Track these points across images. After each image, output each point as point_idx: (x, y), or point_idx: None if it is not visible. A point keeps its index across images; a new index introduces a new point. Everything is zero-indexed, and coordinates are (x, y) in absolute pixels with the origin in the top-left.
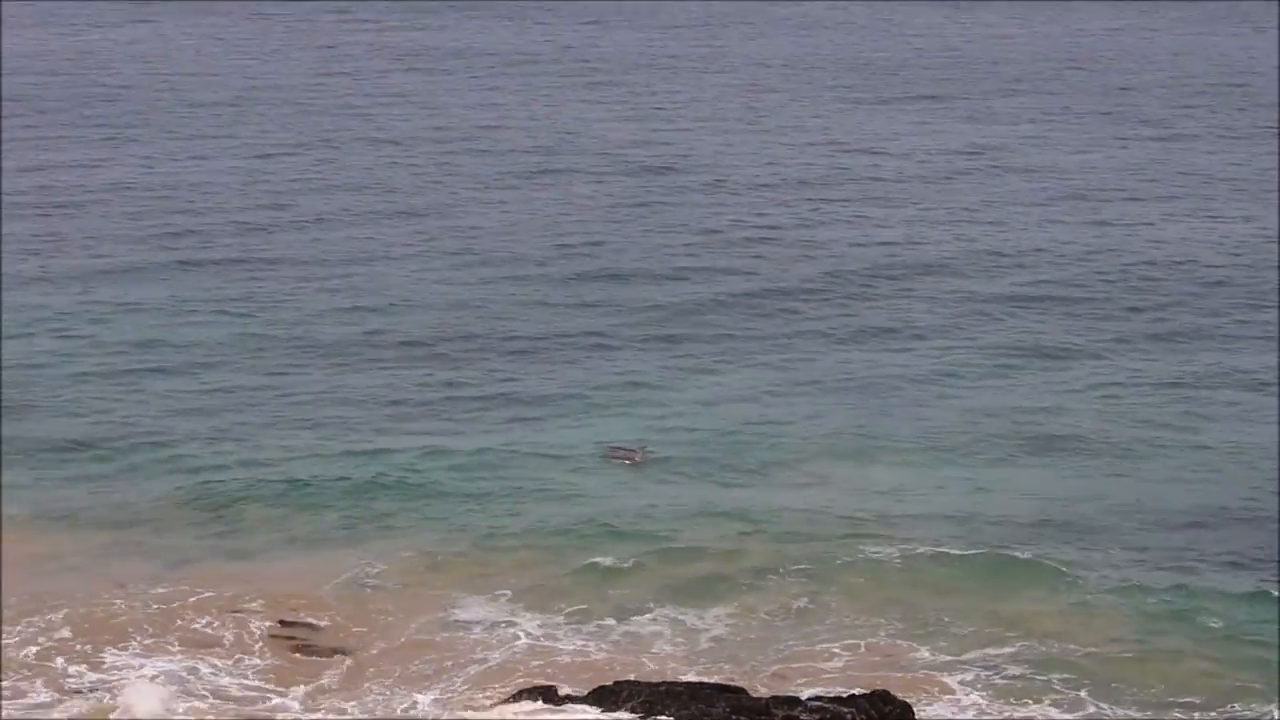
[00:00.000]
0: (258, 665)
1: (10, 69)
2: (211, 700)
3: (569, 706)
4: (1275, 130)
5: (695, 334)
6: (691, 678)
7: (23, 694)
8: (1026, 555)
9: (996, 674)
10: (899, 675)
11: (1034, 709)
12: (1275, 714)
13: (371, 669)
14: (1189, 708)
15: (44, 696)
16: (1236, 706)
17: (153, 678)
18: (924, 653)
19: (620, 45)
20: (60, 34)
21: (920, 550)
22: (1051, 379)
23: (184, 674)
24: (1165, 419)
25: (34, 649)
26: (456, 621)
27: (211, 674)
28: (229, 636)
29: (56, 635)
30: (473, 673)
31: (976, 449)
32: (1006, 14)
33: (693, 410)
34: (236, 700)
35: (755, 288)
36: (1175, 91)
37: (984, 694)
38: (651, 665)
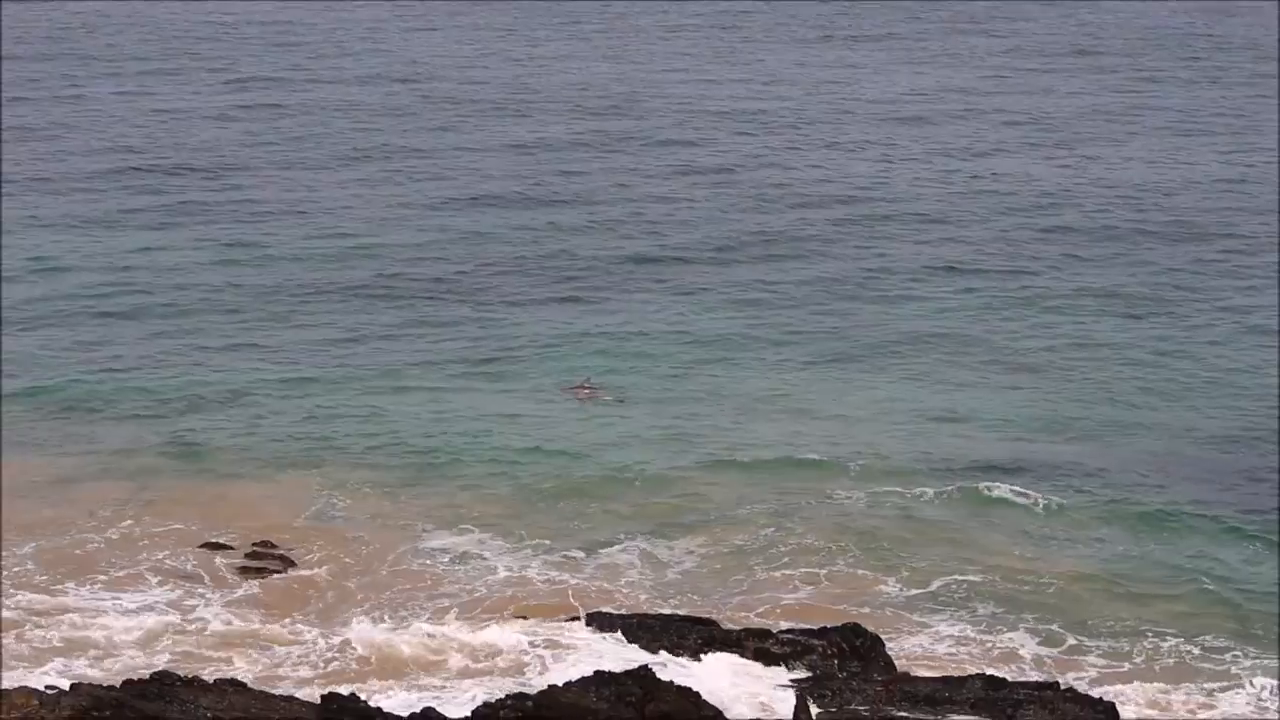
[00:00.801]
0: (232, 597)
1: None
2: (191, 633)
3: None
4: (1243, 69)
5: (667, 267)
6: (662, 609)
7: None
8: (1000, 487)
9: (967, 607)
10: (868, 608)
11: (1007, 641)
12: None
13: (346, 601)
14: (1161, 638)
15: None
16: (1208, 639)
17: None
18: (894, 585)
19: None
20: None
21: (891, 483)
22: (1027, 312)
23: (163, 606)
24: (1140, 355)
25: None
26: (429, 551)
27: (190, 606)
28: (200, 569)
29: (26, 568)
30: (447, 604)
31: (950, 381)
32: None
33: (663, 343)
34: (215, 632)
35: (727, 222)
36: (1142, 32)
37: (956, 626)
38: (623, 596)
